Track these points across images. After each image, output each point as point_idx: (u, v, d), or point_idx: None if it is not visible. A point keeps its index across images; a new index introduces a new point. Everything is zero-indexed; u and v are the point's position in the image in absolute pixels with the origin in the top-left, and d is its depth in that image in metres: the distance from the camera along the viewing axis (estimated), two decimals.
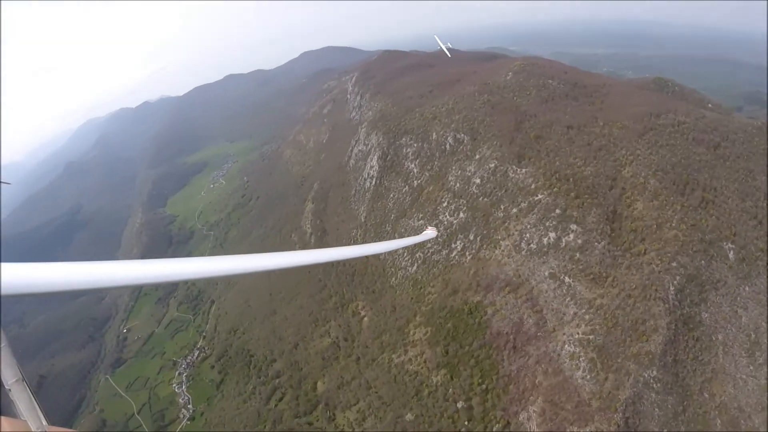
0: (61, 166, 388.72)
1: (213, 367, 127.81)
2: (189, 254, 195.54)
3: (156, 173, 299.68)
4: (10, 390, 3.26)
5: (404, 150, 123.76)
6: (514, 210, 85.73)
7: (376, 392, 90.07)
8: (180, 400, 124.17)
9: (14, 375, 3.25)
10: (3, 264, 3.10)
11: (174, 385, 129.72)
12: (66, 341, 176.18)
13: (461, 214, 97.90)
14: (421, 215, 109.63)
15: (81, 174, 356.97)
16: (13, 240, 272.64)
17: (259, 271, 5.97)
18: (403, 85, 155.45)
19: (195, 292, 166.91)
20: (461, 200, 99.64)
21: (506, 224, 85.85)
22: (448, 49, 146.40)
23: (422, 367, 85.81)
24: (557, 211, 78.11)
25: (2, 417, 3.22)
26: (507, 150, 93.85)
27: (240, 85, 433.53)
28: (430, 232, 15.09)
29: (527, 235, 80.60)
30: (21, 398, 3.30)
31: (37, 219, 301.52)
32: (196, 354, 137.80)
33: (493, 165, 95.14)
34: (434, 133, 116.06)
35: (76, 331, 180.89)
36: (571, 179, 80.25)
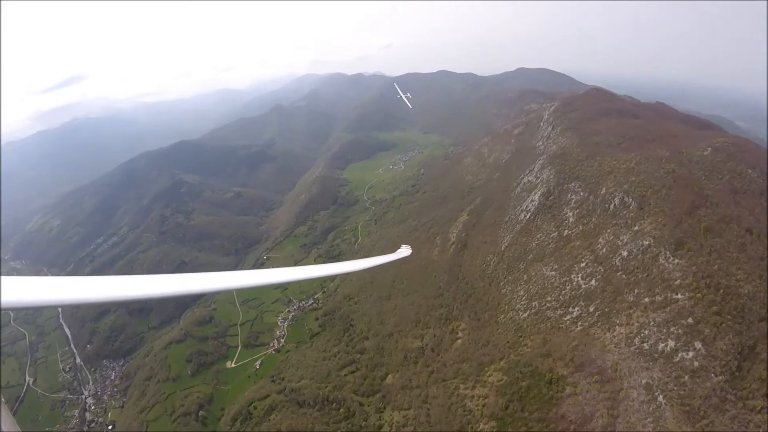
0: (272, 104, 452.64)
1: (317, 319, 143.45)
2: (345, 218, 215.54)
3: (348, 138, 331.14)
4: None
5: (568, 195, 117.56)
6: (646, 299, 75.89)
7: (428, 409, 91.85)
8: (277, 332, 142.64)
9: None
10: (3, 278, 3.12)
11: (279, 318, 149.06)
12: (217, 244, 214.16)
13: (593, 282, 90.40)
14: (556, 266, 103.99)
15: (285, 116, 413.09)
16: (210, 152, 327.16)
17: (237, 288, 7.47)
18: (597, 129, 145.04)
19: (336, 251, 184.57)
20: (599, 267, 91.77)
21: (631, 311, 76.76)
22: (408, 99, 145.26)
23: (479, 410, 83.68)
24: (689, 320, 66.88)
25: None
26: (669, 232, 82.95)
27: (450, 83, 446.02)
28: (404, 250, 15.89)
29: (646, 331, 70.82)
30: None
31: (236, 141, 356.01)
32: (309, 302, 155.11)
33: (647, 243, 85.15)
34: (604, 188, 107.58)
35: (228, 240, 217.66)
36: (721, 291, 67.53)
